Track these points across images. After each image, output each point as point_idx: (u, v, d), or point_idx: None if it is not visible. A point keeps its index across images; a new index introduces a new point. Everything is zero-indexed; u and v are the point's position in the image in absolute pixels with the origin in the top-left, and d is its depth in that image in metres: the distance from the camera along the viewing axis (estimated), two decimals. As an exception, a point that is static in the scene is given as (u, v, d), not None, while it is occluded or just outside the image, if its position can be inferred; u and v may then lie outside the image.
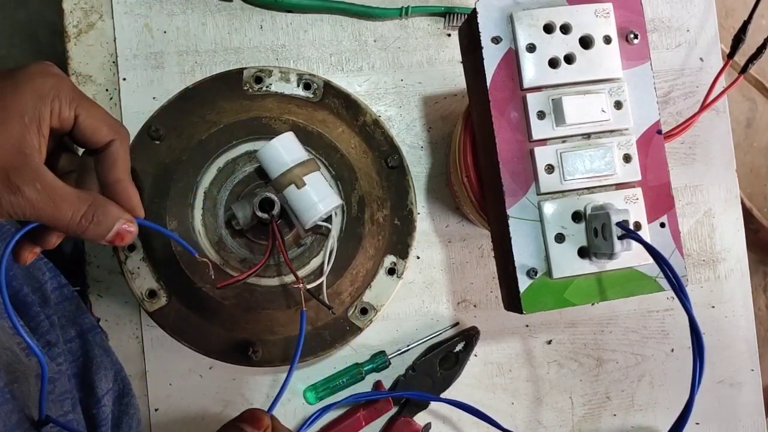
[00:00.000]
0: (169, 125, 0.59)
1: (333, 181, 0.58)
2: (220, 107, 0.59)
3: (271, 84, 0.60)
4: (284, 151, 0.51)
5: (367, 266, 0.59)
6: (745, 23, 0.64)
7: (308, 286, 0.53)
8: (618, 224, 0.47)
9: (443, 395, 0.68)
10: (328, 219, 0.53)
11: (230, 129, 0.58)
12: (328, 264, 0.54)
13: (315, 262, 0.57)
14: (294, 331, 0.58)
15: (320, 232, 0.57)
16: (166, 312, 0.58)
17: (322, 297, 0.54)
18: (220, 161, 0.58)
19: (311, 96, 0.60)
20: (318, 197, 0.51)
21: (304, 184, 0.51)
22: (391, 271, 0.60)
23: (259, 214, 0.52)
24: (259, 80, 0.60)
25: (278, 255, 0.56)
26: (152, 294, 0.58)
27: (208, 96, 0.59)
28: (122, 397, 0.61)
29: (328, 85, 0.61)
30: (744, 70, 0.63)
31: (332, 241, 0.55)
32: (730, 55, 0.64)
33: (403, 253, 0.60)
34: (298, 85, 0.60)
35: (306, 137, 0.58)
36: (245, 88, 0.60)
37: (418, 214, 0.62)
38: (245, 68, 0.60)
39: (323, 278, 0.54)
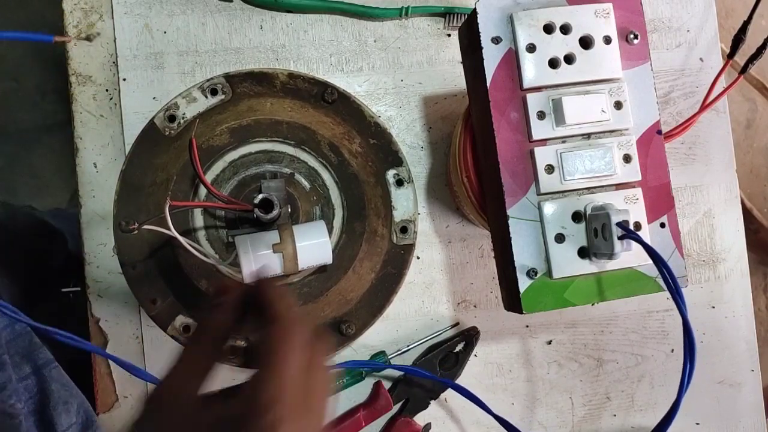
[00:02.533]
0: (133, 211, 0.58)
1: (297, 149, 0.59)
2: (160, 165, 0.59)
3: (184, 113, 0.59)
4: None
5: (379, 193, 0.60)
6: (745, 23, 0.64)
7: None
8: (618, 224, 0.47)
9: (443, 395, 0.68)
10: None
11: (184, 174, 0.58)
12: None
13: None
14: (362, 289, 0.59)
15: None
16: (255, 349, 0.58)
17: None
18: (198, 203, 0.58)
19: (224, 97, 0.60)
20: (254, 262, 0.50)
21: (280, 252, 0.51)
22: (400, 182, 0.60)
23: (259, 196, 0.52)
24: (172, 118, 0.59)
25: None
26: (234, 350, 0.58)
27: (143, 163, 0.59)
28: (86, 428, 0.60)
29: (229, 77, 0.60)
30: (744, 70, 0.63)
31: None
32: (730, 55, 0.64)
33: (397, 161, 0.61)
34: (206, 97, 0.60)
35: (246, 132, 0.58)
36: (167, 133, 0.59)
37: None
38: (154, 117, 0.59)
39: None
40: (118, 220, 0.57)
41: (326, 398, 0.40)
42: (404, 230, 0.60)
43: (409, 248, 0.60)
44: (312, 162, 0.59)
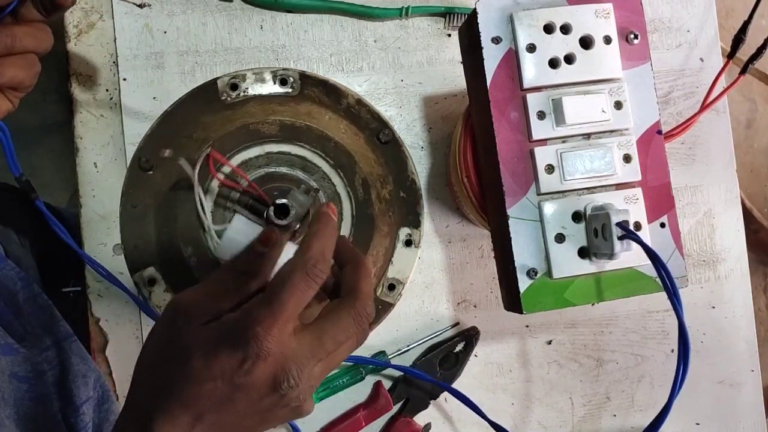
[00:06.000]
0: (158, 153, 0.58)
1: (333, 170, 0.58)
2: (203, 123, 0.59)
3: (247, 88, 0.60)
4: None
5: (385, 244, 0.59)
6: (745, 23, 0.64)
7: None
8: (618, 224, 0.47)
9: (443, 395, 0.68)
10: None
11: (220, 143, 0.58)
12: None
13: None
14: None
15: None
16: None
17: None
18: (219, 176, 0.58)
19: (290, 91, 0.60)
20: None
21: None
22: (408, 243, 0.60)
23: (281, 200, 0.53)
24: (234, 87, 0.59)
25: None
26: None
27: (188, 114, 0.59)
28: (102, 403, 0.60)
29: (304, 75, 0.60)
30: (744, 70, 0.63)
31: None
32: (730, 55, 0.64)
33: (415, 222, 0.60)
34: (275, 83, 0.60)
35: (295, 133, 0.58)
36: (223, 98, 0.59)
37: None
38: (219, 78, 0.59)
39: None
40: (139, 155, 0.57)
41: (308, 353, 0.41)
42: (391, 288, 0.60)
43: (388, 307, 0.60)
44: (340, 188, 0.59)
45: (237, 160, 0.58)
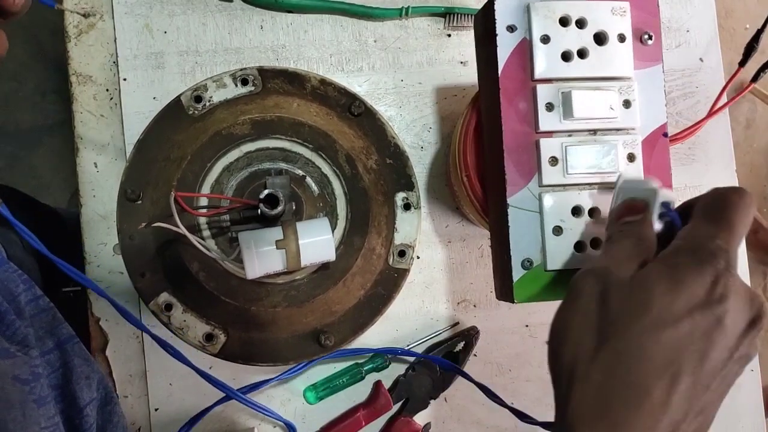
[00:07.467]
0: (141, 181, 0.58)
1: (314, 153, 0.59)
2: (177, 141, 0.59)
3: (211, 96, 0.60)
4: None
5: (384, 212, 0.59)
6: (758, 31, 0.63)
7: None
8: (662, 204, 0.44)
9: (443, 395, 0.68)
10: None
11: (198, 156, 0.58)
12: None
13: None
14: (349, 304, 0.59)
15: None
16: (230, 346, 0.58)
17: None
18: (206, 188, 0.58)
19: (253, 89, 0.60)
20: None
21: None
22: (407, 206, 0.60)
23: (264, 191, 0.53)
24: (198, 99, 0.59)
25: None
26: (210, 337, 0.57)
27: (161, 137, 0.59)
28: (105, 405, 0.60)
29: (262, 70, 0.60)
30: (755, 78, 0.63)
31: None
32: (742, 63, 0.63)
33: (408, 185, 0.60)
34: (236, 85, 0.60)
35: (268, 127, 0.58)
36: (190, 112, 0.59)
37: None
38: (181, 94, 0.59)
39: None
40: (124, 188, 0.57)
41: None
42: (402, 254, 0.60)
43: (403, 273, 0.60)
44: (326, 169, 0.59)
45: (219, 167, 0.58)
